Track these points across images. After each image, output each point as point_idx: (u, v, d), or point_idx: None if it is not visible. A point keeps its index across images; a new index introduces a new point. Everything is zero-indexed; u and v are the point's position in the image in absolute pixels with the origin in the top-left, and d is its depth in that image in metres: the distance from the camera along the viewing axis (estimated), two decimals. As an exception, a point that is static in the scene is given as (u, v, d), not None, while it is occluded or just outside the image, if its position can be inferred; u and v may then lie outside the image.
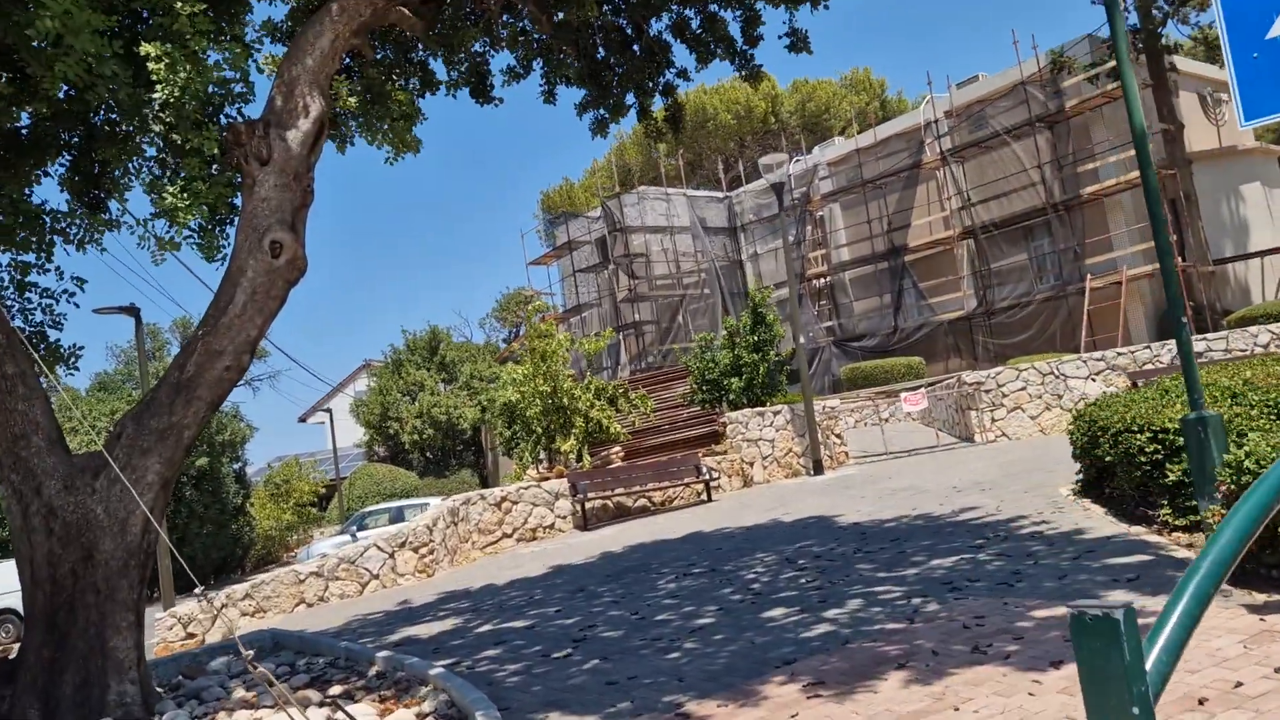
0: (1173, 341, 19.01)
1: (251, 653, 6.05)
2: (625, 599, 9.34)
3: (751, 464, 18.65)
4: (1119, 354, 19.02)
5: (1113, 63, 27.57)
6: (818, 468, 18.25)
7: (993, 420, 19.15)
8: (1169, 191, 27.83)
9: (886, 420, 24.94)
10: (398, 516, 23.77)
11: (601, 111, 10.30)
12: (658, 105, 10.88)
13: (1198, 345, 18.70)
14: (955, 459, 16.72)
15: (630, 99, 10.40)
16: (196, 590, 13.46)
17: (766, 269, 38.52)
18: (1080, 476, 10.38)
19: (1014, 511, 10.14)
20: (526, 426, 19.75)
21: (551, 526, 16.72)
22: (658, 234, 38.43)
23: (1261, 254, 28.68)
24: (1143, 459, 8.30)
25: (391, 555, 14.43)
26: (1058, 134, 29.78)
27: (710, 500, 17.39)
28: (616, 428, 18.95)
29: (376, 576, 14.28)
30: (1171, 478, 8.05)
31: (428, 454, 44.18)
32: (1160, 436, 8.19)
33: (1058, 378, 19.04)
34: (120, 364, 40.13)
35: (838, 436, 19.74)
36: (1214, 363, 18.01)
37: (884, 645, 6.15)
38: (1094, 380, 18.96)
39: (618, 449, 20.11)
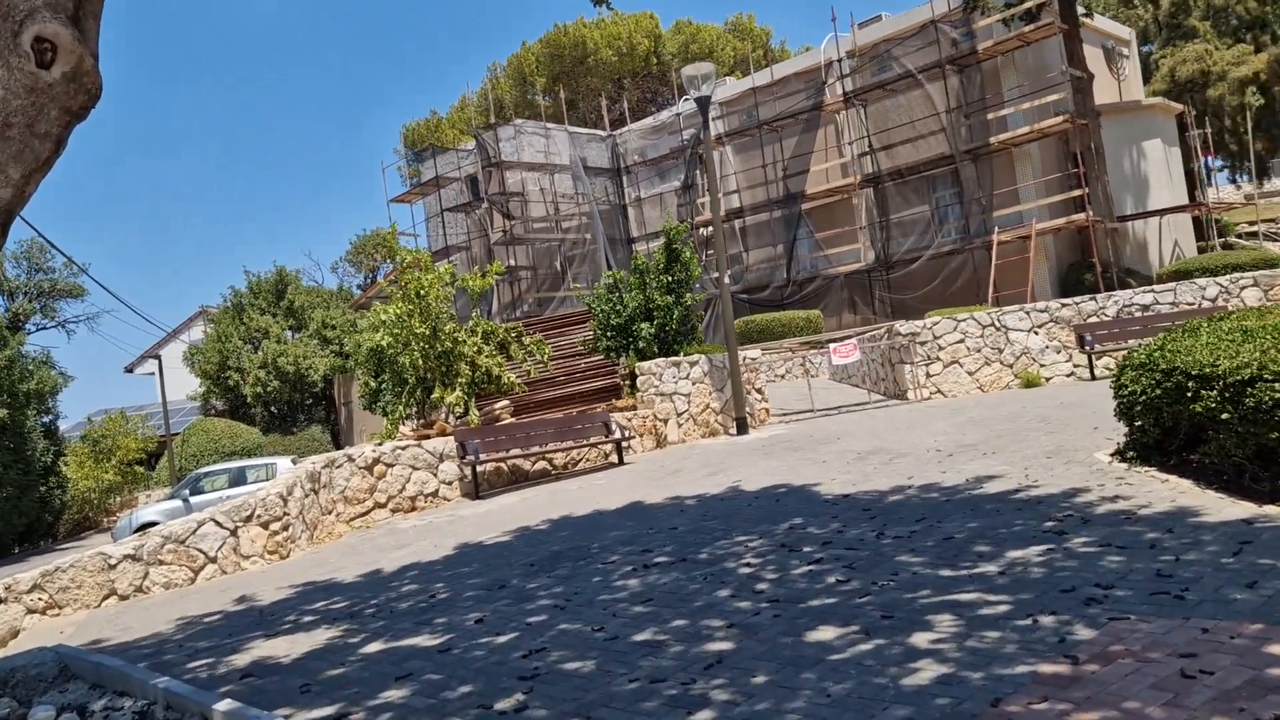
0: (1119, 293, 17.60)
1: None
2: (573, 603, 6.74)
3: (665, 421, 16.22)
4: (1063, 305, 17.45)
5: (1029, 3, 26.17)
6: (741, 426, 15.98)
7: (928, 375, 17.32)
8: (1077, 144, 26.78)
9: (812, 375, 22.84)
10: (238, 478, 20.35)
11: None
12: None
13: (1144, 298, 17.34)
14: (904, 418, 14.73)
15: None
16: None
17: (651, 215, 36.06)
18: (1132, 438, 8.33)
19: (1059, 483, 8.01)
20: (398, 376, 16.72)
21: (435, 494, 13.86)
22: (535, 172, 35.37)
23: (1161, 212, 28.07)
24: (1282, 416, 6.23)
25: (234, 532, 11.32)
26: (967, 78, 28.31)
27: (622, 463, 14.89)
28: (510, 378, 16.17)
29: (214, 560, 11.15)
30: (1329, 442, 6.02)
31: (272, 409, 40.01)
32: (1313, 387, 6.13)
33: (998, 329, 17.34)
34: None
35: (759, 392, 17.53)
36: (1182, 315, 16.64)
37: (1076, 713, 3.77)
38: (1037, 333, 17.34)
39: (506, 403, 17.35)
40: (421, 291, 15.41)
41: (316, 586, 9.13)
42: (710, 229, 33.54)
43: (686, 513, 9.49)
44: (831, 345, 17.59)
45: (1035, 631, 4.75)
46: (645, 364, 16.31)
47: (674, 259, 17.49)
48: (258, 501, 11.53)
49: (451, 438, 14.30)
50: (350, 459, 13.27)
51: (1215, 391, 6.80)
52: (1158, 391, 7.65)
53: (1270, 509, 6.28)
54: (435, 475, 13.92)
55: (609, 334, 17.52)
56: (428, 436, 15.54)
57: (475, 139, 34.75)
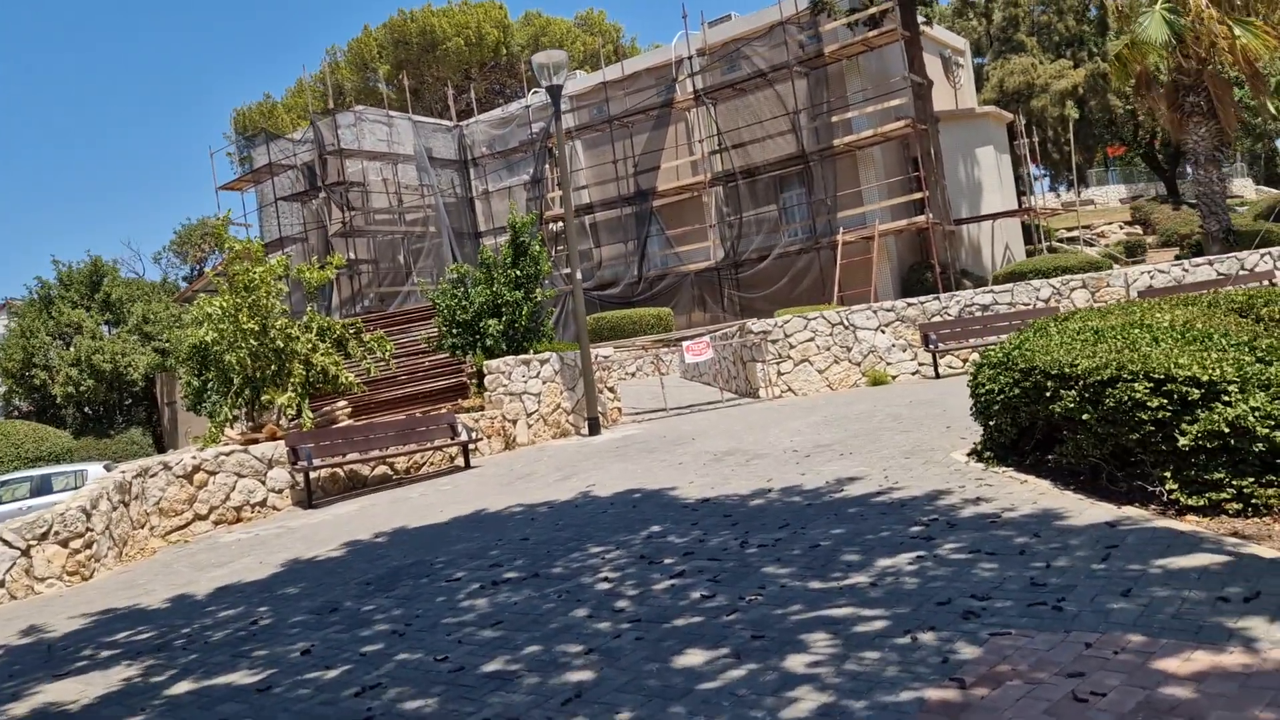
0: (961, 293, 18.04)
1: None
2: (414, 628, 6.09)
3: (514, 422, 15.58)
4: (909, 304, 17.76)
5: (873, 9, 26.75)
6: (594, 427, 15.51)
7: (779, 374, 17.30)
8: (917, 148, 27.59)
9: (665, 373, 22.50)
10: (43, 487, 18.56)
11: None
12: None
13: (984, 298, 17.82)
14: (758, 417, 14.58)
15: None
16: None
17: (499, 208, 35.19)
18: (988, 438, 8.29)
19: (920, 484, 7.87)
20: (224, 375, 15.45)
21: (263, 504, 12.79)
22: (377, 161, 33.96)
23: (994, 216, 29.28)
24: (1143, 416, 6.19)
25: (26, 551, 10.04)
26: (814, 80, 28.76)
27: (469, 466, 14.17)
28: (349, 377, 15.18)
29: (1, 584, 9.86)
30: (1184, 441, 6.01)
31: (86, 410, 37.03)
32: (1170, 388, 6.11)
33: (847, 328, 17.49)
34: None
35: (611, 391, 17.11)
36: (1019, 315, 17.14)
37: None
38: (883, 332, 17.58)
39: (344, 404, 16.34)
40: (251, 284, 14.24)
41: (119, 614, 8.11)
42: (560, 224, 32.97)
43: (538, 521, 8.93)
44: (685, 344, 17.35)
45: (916, 651, 4.44)
46: (493, 362, 15.63)
47: (521, 253, 16.86)
48: (55, 516, 10.27)
49: (282, 442, 13.25)
50: (167, 466, 12.07)
51: (1075, 391, 6.74)
52: (1015, 391, 7.59)
53: (1130, 510, 6.23)
54: (264, 483, 12.85)
55: (455, 331, 16.74)
56: (256, 441, 14.41)
57: (312, 125, 33.04)
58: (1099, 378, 6.52)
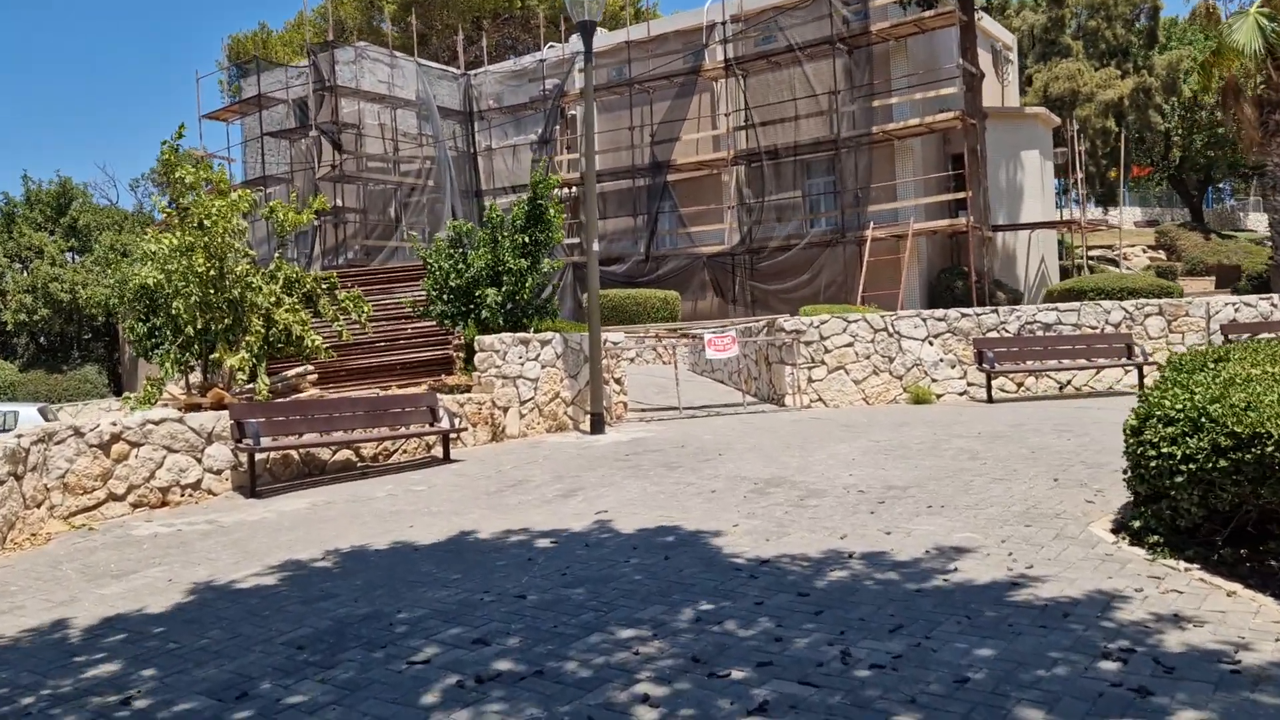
0: (1022, 308, 15.95)
1: None
2: (354, 760, 3.92)
3: (505, 410, 13.40)
4: (963, 315, 15.66)
5: (930, -12, 24.53)
6: (597, 424, 13.35)
7: (809, 380, 15.18)
8: (959, 144, 25.48)
9: (667, 362, 20.04)
10: (-35, 429, 16.30)
11: None
12: None
13: (1045, 316, 15.75)
14: (792, 431, 12.45)
15: None
16: None
17: (501, 167, 32.85)
18: (1153, 515, 6.18)
19: (1068, 577, 5.74)
20: (174, 323, 13.18)
21: (197, 486, 10.58)
22: (376, 104, 31.52)
23: (1035, 226, 27.22)
24: None
25: (-126, 532, 7.80)
26: (856, 60, 26.52)
27: (448, 459, 12.00)
28: (315, 339, 12.94)
29: None
30: None
31: (40, 340, 34.54)
32: None
33: (891, 335, 15.39)
34: None
35: (618, 382, 14.96)
36: (1085, 339, 15.09)
37: None
38: (931, 343, 15.48)
39: (308, 370, 14.13)
40: (207, 221, 11.97)
41: (-43, 650, 5.89)
42: (566, 190, 30.66)
43: (538, 565, 6.76)
44: (708, 336, 15.19)
45: None
46: (487, 338, 13.42)
47: (537, 217, 14.63)
48: (-83, 490, 8.03)
49: (228, 411, 11.01)
50: (78, 433, 9.82)
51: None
52: (1219, 463, 5.48)
53: None
54: (199, 461, 10.62)
55: (446, 297, 14.52)
56: (198, 406, 12.20)
57: (309, 57, 30.51)
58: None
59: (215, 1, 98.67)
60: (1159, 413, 6.19)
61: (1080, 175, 29.46)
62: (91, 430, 9.89)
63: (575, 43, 32.49)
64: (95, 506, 9.84)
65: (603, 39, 31.62)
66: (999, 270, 27.04)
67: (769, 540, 6.99)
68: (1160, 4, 40.71)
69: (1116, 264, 38.02)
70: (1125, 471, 6.56)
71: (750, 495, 8.59)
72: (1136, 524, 6.32)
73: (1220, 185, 58.18)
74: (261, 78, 31.92)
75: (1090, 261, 32.18)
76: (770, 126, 27.60)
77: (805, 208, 27.67)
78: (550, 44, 34.48)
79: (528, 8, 43.89)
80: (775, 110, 27.58)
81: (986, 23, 29.85)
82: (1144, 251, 42.42)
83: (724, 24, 28.14)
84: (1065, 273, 30.62)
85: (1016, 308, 15.67)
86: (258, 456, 10.71)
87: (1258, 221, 61.20)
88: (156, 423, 10.38)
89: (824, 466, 9.70)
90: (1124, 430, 6.50)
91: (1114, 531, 6.57)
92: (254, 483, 10.61)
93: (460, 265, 14.42)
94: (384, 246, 31.00)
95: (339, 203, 30.50)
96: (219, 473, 10.76)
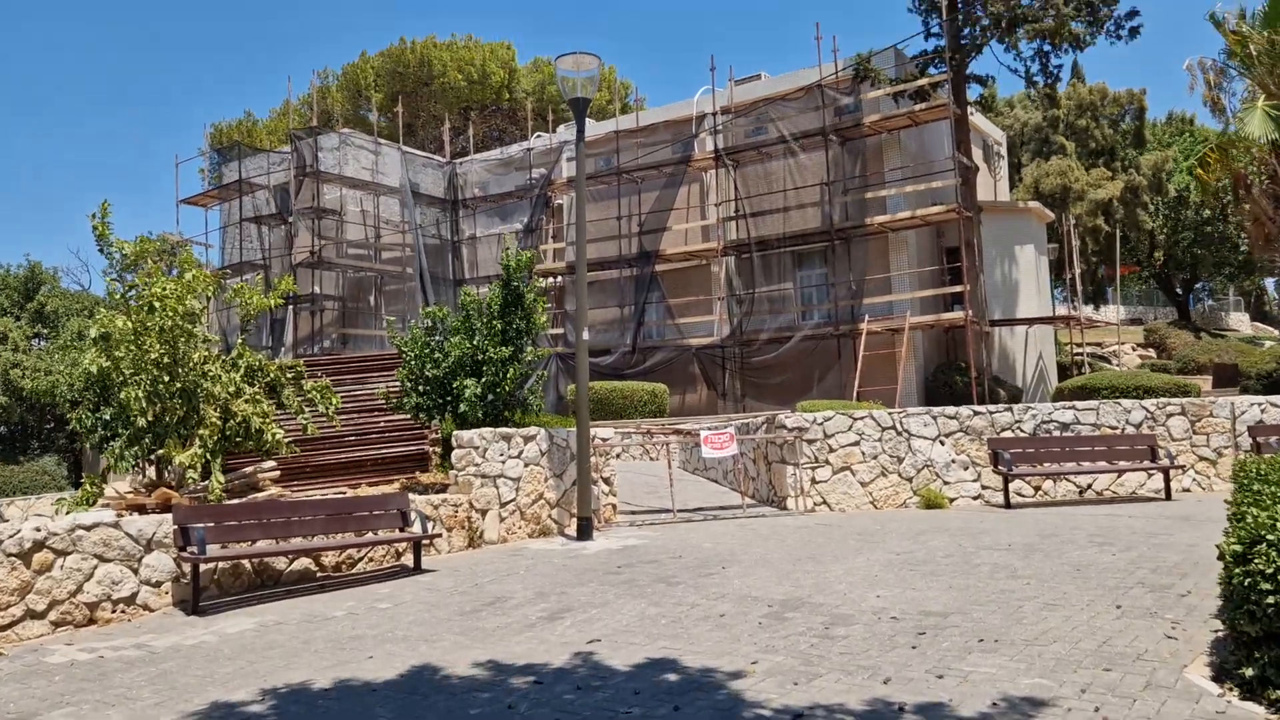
0: (1038, 406, 15.00)
1: None
2: None
3: (484, 512, 12.21)
4: (975, 413, 14.69)
5: (923, 80, 24.29)
6: (585, 529, 12.17)
7: (813, 481, 14.10)
8: (953, 237, 24.95)
9: (654, 458, 18.82)
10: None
11: None
12: None
13: (1062, 415, 14.81)
14: (801, 539, 11.31)
15: None
16: None
17: (486, 256, 32.16)
18: (1265, 657, 5.09)
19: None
20: (124, 414, 12.01)
21: (132, 601, 9.29)
22: (358, 190, 30.92)
23: (1033, 321, 26.57)
24: None
25: None
26: (849, 152, 26.14)
27: (419, 568, 10.76)
28: (277, 433, 11.78)
29: None
30: None
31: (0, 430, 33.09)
32: None
33: (900, 434, 14.37)
34: None
35: (606, 482, 13.82)
36: (1105, 440, 14.14)
37: None
38: (943, 443, 14.47)
39: (270, 467, 12.94)
40: (157, 303, 10.93)
41: None
42: (551, 280, 29.92)
43: (519, 715, 5.56)
44: (703, 433, 14.12)
45: None
46: (466, 433, 12.31)
47: (514, 301, 13.68)
48: None
49: (171, 514, 9.79)
50: (-6, 540, 8.58)
51: None
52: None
53: None
54: (135, 572, 9.36)
55: (421, 388, 13.44)
56: (142, 507, 10.97)
57: (291, 141, 29.96)
58: None
59: (200, 91, 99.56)
60: (1272, 536, 5.15)
61: (1078, 271, 28.95)
62: (10, 537, 8.65)
63: (563, 132, 32.20)
64: (9, 626, 8.54)
65: (591, 128, 31.28)
66: (997, 367, 26.26)
67: (797, 684, 5.82)
68: (1145, 105, 41.08)
69: (1109, 361, 37.45)
70: (1219, 602, 5.48)
71: (766, 621, 7.42)
72: (1248, 672, 5.22)
73: (1203, 284, 58.35)
74: (243, 163, 31.32)
75: (1089, 359, 31.51)
76: (761, 217, 27.07)
77: (797, 300, 26.95)
78: (538, 134, 34.19)
79: (515, 100, 43.90)
80: (766, 201, 27.08)
81: (977, 119, 29.70)
82: (1133, 349, 41.96)
83: (714, 114, 27.83)
84: (1064, 369, 29.91)
85: (1032, 406, 14.73)
86: (203, 567, 9.46)
87: (1239, 321, 61.23)
88: (88, 528, 9.15)
89: (845, 585, 8.56)
90: (1222, 556, 5.45)
91: (1215, 679, 5.46)
92: (197, 597, 9.34)
93: (437, 355, 13.39)
94: (361, 335, 30.01)
95: (317, 289, 29.60)
96: (158, 585, 9.49)
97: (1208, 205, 41.09)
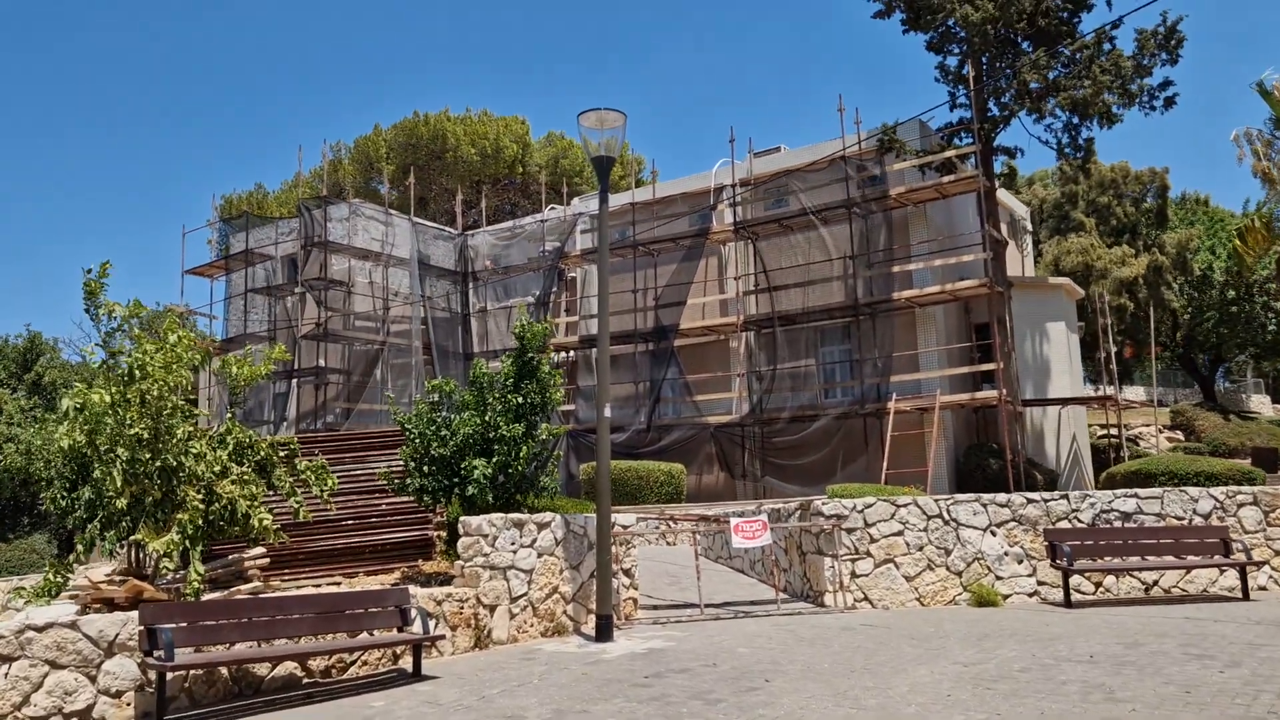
0: (1096, 494, 13.78)
1: None
2: None
3: (493, 609, 11.00)
4: (1029, 501, 13.49)
5: (950, 152, 23.60)
6: (604, 629, 10.93)
7: (853, 575, 12.86)
8: (982, 313, 24.00)
9: (672, 543, 17.41)
10: None
11: None
12: None
13: (1125, 504, 13.62)
14: (846, 644, 10.05)
15: None
16: None
17: (495, 329, 31.28)
18: None
19: None
20: (99, 494, 10.92)
21: (88, 714, 8.07)
22: (367, 261, 30.19)
23: (1064, 401, 25.44)
24: None
25: None
26: (873, 225, 25.36)
27: (418, 674, 9.53)
28: (265, 518, 10.63)
29: None
30: None
31: (-11, 505, 31.92)
32: None
33: (947, 523, 13.16)
34: None
35: (627, 575, 12.60)
36: (1171, 532, 12.94)
37: None
38: (994, 533, 13.25)
39: (259, 554, 11.80)
40: (139, 371, 9.92)
41: None
42: (563, 354, 28.96)
43: None
44: (734, 521, 12.93)
45: None
46: (474, 520, 11.16)
47: (528, 373, 12.65)
48: None
49: (139, 611, 8.62)
50: (-72, 644, 7.42)
51: None
52: None
53: None
54: (93, 680, 8.16)
55: (426, 469, 12.33)
56: (111, 601, 9.81)
57: (300, 211, 29.34)
58: None
59: (211, 163, 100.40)
60: None
61: (1111, 350, 27.94)
62: (-52, 640, 7.49)
63: (577, 205, 31.59)
64: (-60, 745, 7.33)
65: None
66: (1030, 449, 25.06)
67: None
68: (1168, 184, 40.47)
69: (1136, 444, 36.17)
70: None
71: (832, 759, 6.19)
72: None
73: (1229, 364, 57.14)
74: (251, 233, 30.70)
75: (1126, 441, 30.27)
76: (782, 291, 26.19)
77: (820, 377, 25.92)
78: (551, 206, 33.61)
79: (528, 174, 43.56)
80: (787, 275, 26.23)
81: (1001, 193, 29.02)
82: (1160, 431, 40.69)
83: (733, 186, 27.16)
84: (1097, 452, 28.66)
85: (1090, 493, 13.52)
86: (170, 675, 8.25)
87: (1260, 403, 59.84)
88: (40, 629, 7.98)
89: (915, 707, 7.32)
90: None
91: None
92: (162, 710, 8.11)
93: (444, 431, 12.30)
94: (367, 410, 28.97)
95: (322, 363, 28.68)
96: (119, 695, 8.27)
97: (1233, 285, 40.24)
